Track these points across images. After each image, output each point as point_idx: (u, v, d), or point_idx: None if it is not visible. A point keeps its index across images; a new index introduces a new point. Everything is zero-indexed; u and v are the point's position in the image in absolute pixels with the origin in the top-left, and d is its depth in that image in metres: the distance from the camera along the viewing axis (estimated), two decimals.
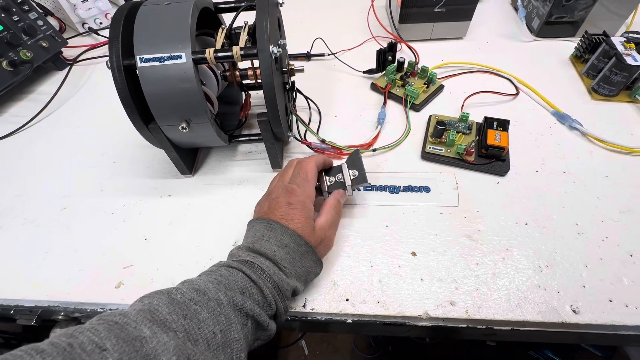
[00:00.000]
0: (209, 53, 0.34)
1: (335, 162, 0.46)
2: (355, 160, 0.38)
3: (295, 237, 0.31)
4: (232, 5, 0.41)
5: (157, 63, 0.33)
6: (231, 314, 0.26)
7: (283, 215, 0.32)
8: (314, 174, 0.36)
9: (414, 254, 0.37)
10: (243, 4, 0.41)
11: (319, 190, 0.38)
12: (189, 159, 0.45)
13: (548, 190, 0.41)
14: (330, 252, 0.37)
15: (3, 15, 0.56)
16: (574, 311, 0.32)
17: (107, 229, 0.41)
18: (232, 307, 0.26)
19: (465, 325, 0.33)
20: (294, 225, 0.31)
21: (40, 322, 0.38)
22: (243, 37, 0.38)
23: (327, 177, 0.38)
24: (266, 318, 0.28)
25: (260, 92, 0.54)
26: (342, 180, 0.37)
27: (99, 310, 0.36)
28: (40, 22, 0.60)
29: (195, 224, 0.41)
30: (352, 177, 0.37)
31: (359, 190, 0.42)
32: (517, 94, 0.52)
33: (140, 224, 0.41)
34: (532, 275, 0.34)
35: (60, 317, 0.38)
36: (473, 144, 0.43)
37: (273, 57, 0.34)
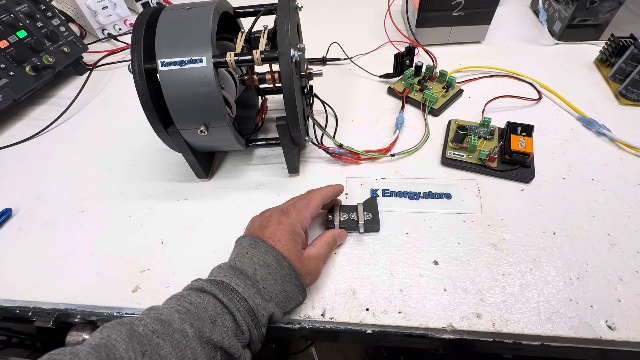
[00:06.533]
0: (230, 57, 0.34)
1: (352, 171, 0.45)
2: (371, 204, 0.39)
3: (279, 257, 0.29)
4: (252, 9, 0.41)
5: (177, 67, 0.33)
6: (197, 346, 0.24)
7: (271, 234, 0.31)
8: (317, 204, 0.35)
9: (436, 262, 0.35)
10: (262, 9, 0.41)
11: (331, 222, 0.37)
12: (205, 163, 0.45)
13: (576, 199, 0.39)
14: (348, 259, 0.36)
15: (28, 21, 0.58)
16: (609, 327, 0.30)
17: (124, 232, 0.41)
18: (199, 339, 0.24)
19: (492, 339, 0.31)
20: (280, 246, 0.30)
21: (56, 325, 0.38)
22: (263, 41, 0.38)
23: (342, 213, 0.38)
24: (238, 348, 0.26)
25: (276, 97, 0.54)
26: (355, 218, 0.37)
27: (115, 314, 0.36)
28: (62, 29, 0.62)
29: (211, 228, 0.41)
30: (365, 218, 0.37)
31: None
32: (539, 98, 0.51)
33: (157, 228, 0.41)
34: (563, 287, 0.32)
35: (76, 320, 0.38)
36: (496, 149, 0.41)
37: (293, 61, 0.34)
